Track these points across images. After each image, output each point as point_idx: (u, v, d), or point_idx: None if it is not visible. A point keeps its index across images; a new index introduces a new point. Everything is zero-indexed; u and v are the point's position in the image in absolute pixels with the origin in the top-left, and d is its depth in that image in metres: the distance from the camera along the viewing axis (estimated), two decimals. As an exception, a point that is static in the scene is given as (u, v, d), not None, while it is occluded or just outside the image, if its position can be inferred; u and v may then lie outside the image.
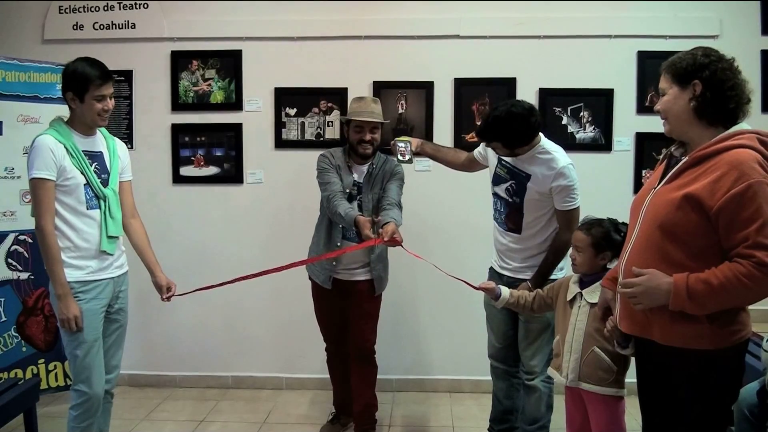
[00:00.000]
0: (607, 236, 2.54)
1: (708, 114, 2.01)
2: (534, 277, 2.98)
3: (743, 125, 2.02)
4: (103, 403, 2.85)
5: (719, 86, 1.99)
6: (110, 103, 2.78)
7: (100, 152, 2.87)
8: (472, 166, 3.37)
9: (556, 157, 2.92)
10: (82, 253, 2.75)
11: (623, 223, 2.48)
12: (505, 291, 2.84)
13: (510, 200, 3.01)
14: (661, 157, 2.25)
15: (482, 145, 3.24)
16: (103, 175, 2.83)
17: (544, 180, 2.90)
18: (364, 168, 3.41)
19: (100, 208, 2.79)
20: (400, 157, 3.35)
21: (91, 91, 2.71)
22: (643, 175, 4.06)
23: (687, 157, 2.03)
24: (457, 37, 4.16)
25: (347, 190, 3.33)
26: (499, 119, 2.83)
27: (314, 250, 3.51)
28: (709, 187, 1.92)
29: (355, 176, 3.39)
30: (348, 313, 3.48)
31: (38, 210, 2.68)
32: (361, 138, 3.32)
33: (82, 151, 2.76)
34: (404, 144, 3.36)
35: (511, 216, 3.03)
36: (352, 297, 3.44)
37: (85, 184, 2.74)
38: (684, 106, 2.03)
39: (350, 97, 4.16)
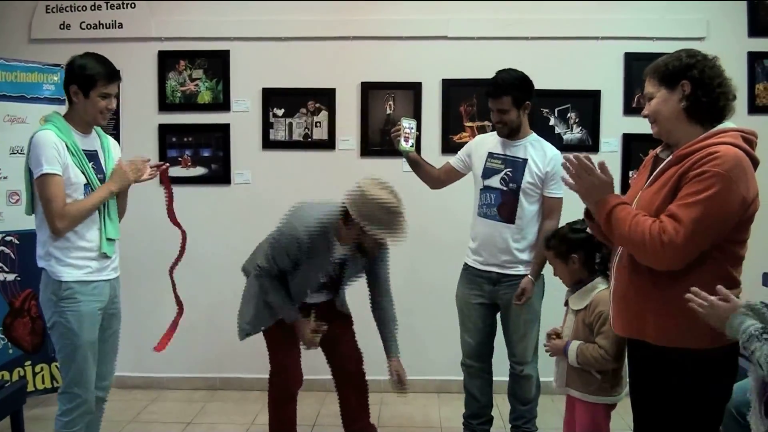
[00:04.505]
0: (564, 240, 2.53)
1: (699, 113, 2.02)
2: (532, 271, 3.10)
3: (728, 123, 2.03)
4: (96, 411, 2.82)
5: (708, 84, 2.00)
6: (113, 104, 2.73)
7: (96, 151, 2.81)
8: (447, 179, 3.39)
9: (549, 145, 3.19)
10: (82, 253, 2.69)
11: (580, 220, 2.45)
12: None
13: (506, 188, 3.11)
14: (645, 157, 2.26)
15: (463, 150, 3.35)
16: (99, 175, 2.76)
17: (540, 163, 3.10)
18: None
19: (98, 209, 2.74)
20: (404, 143, 3.14)
21: (98, 88, 2.66)
22: (630, 176, 4.08)
23: (671, 156, 2.04)
24: (445, 38, 4.17)
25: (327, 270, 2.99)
26: (511, 72, 3.10)
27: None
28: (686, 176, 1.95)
29: (337, 253, 2.95)
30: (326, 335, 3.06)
31: (50, 211, 2.59)
32: (361, 244, 2.81)
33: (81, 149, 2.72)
34: (409, 124, 3.17)
35: (505, 205, 3.12)
36: (327, 315, 3.10)
37: (85, 184, 2.69)
38: (674, 107, 2.03)
39: (338, 97, 4.19)
